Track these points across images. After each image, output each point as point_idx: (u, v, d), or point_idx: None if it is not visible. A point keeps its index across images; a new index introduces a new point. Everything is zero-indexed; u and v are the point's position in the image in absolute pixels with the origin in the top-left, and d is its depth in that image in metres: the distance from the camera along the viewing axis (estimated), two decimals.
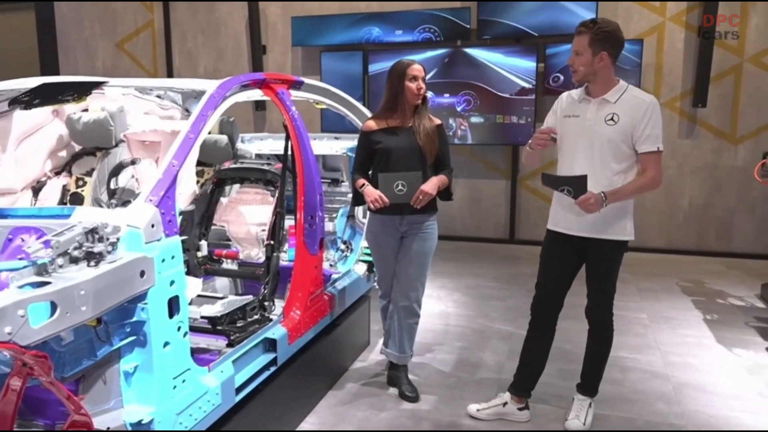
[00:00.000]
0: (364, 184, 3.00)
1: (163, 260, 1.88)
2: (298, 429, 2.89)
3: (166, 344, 1.90)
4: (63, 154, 3.31)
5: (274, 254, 2.95)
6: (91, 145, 3.23)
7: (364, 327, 3.86)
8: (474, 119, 6.59)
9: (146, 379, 1.86)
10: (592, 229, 2.67)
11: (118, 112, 3.12)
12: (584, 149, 2.68)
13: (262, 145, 4.20)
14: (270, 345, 2.65)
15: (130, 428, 1.80)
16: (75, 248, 1.62)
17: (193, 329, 2.63)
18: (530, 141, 2.76)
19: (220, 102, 2.39)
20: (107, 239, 1.71)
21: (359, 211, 3.91)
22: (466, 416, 3.00)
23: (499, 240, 6.90)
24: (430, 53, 6.53)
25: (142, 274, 1.77)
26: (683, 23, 6.15)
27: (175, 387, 1.95)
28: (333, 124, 6.34)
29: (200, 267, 3.18)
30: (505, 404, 2.97)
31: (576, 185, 2.57)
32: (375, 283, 3.60)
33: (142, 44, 7.98)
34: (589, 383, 2.95)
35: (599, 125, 2.64)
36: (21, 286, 1.48)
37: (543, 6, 6.20)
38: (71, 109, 3.17)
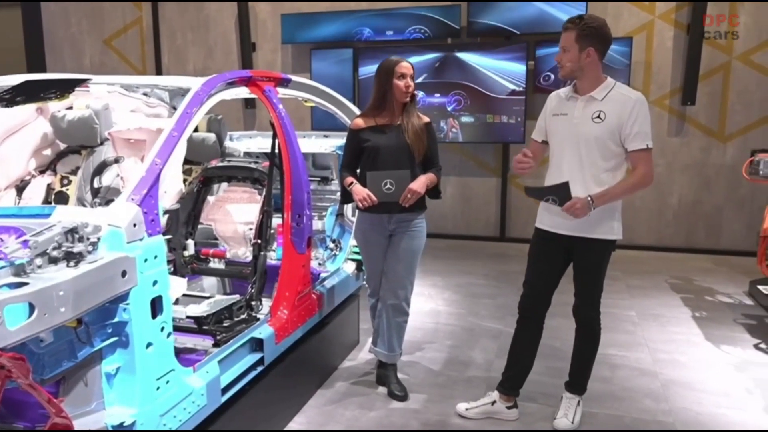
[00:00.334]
0: (352, 183, 2.99)
1: (146, 260, 1.85)
2: (285, 429, 2.87)
3: (149, 345, 1.87)
4: (47, 152, 3.27)
5: (261, 253, 2.93)
6: (76, 144, 3.18)
7: (353, 325, 3.84)
8: (464, 119, 6.58)
9: (129, 381, 1.83)
10: (580, 228, 2.66)
11: (103, 110, 3.08)
12: (571, 148, 2.67)
13: (250, 143, 4.17)
14: (257, 345, 2.63)
15: (111, 430, 1.78)
16: (54, 248, 1.59)
17: (180, 329, 2.62)
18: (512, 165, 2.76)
19: (205, 100, 2.37)
20: (87, 239, 1.68)
21: (348, 209, 3.89)
22: (455, 415, 2.99)
23: (490, 238, 6.90)
24: (420, 57, 6.52)
25: (124, 274, 1.74)
26: (672, 21, 6.16)
27: (158, 388, 1.92)
28: (323, 122, 6.32)
29: (187, 266, 3.15)
30: (493, 403, 2.96)
31: (560, 193, 2.56)
32: (364, 282, 3.58)
33: (131, 41, 7.92)
34: (578, 382, 2.95)
35: (586, 123, 2.64)
36: None
37: (533, 4, 6.20)
38: (55, 106, 3.12)
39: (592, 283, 2.79)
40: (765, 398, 3.18)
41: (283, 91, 3.11)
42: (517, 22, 6.27)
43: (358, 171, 3.08)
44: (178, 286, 2.44)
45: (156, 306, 1.91)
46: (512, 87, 6.36)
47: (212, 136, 3.49)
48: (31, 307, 1.44)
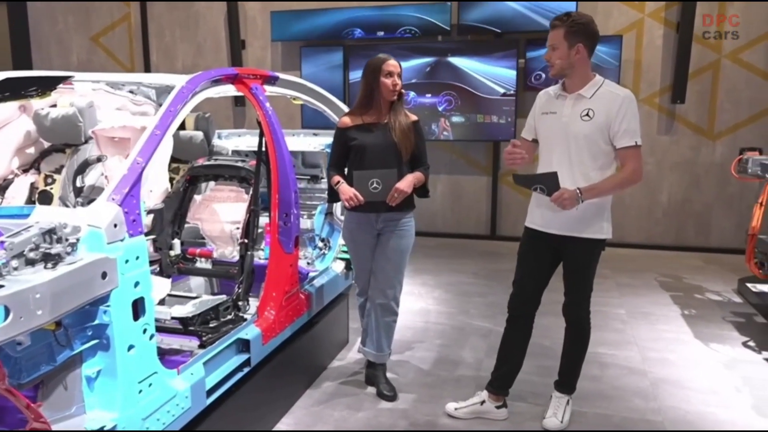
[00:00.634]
0: (339, 182, 2.96)
1: (127, 261, 1.81)
2: (273, 430, 2.85)
3: (130, 347, 1.84)
4: (31, 150, 3.22)
5: (248, 253, 2.90)
6: (60, 142, 3.14)
7: (342, 325, 3.81)
8: (455, 119, 6.56)
9: (110, 384, 1.80)
10: (569, 227, 2.65)
11: (87, 108, 3.04)
12: (560, 146, 2.65)
13: (239, 142, 4.14)
14: (243, 345, 2.60)
15: None
16: (31, 249, 1.55)
17: (165, 330, 2.58)
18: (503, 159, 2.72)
19: (189, 98, 2.33)
20: (66, 240, 1.65)
21: (337, 208, 3.87)
22: (444, 415, 2.97)
23: (480, 236, 6.90)
24: (411, 59, 6.49)
25: (104, 275, 1.70)
26: (662, 19, 6.17)
27: (140, 391, 1.89)
28: (313, 119, 6.28)
29: (173, 266, 3.11)
30: (482, 402, 2.95)
31: (548, 182, 2.54)
32: (353, 281, 3.56)
33: (119, 38, 7.84)
34: (567, 381, 2.94)
35: (575, 121, 2.62)
36: None
37: (522, 3, 6.18)
38: (39, 104, 3.08)
39: (582, 283, 2.78)
40: (753, 396, 3.19)
41: (270, 89, 3.08)
42: (507, 20, 6.25)
43: (346, 170, 3.06)
44: (161, 286, 2.41)
45: (138, 307, 1.88)
46: (502, 85, 6.35)
47: (200, 135, 3.45)
48: (7, 310, 1.40)
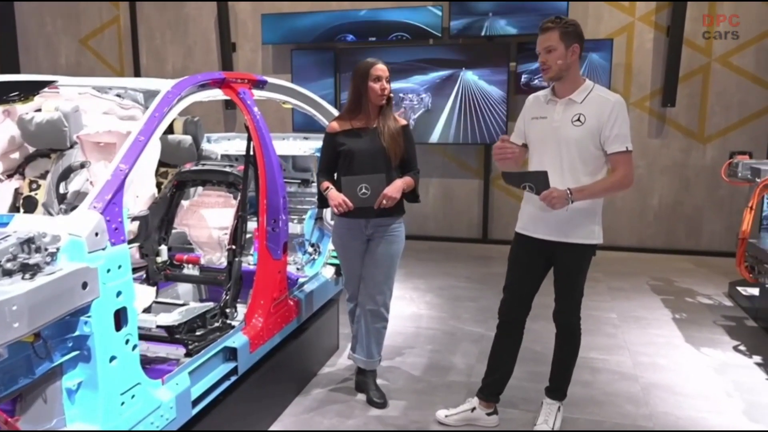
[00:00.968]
0: (328, 188, 2.93)
1: (109, 270, 1.78)
2: None
3: (112, 359, 1.80)
4: (15, 155, 3.17)
5: (236, 259, 2.87)
6: (45, 147, 3.09)
7: (332, 331, 3.78)
8: (446, 120, 6.54)
9: (91, 396, 1.76)
10: (560, 232, 2.63)
11: (72, 112, 2.99)
12: (552, 151, 2.64)
13: (229, 146, 4.10)
14: (230, 354, 2.56)
15: None
16: (8, 260, 1.52)
17: (152, 338, 2.54)
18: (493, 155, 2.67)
19: (174, 103, 2.29)
20: (45, 249, 1.61)
21: (327, 213, 3.83)
22: (435, 422, 2.94)
23: (472, 240, 6.88)
24: (401, 59, 6.48)
25: (85, 285, 1.67)
26: (652, 23, 6.19)
27: (123, 403, 1.85)
28: (305, 123, 6.25)
29: (160, 273, 3.07)
30: (473, 409, 2.92)
31: (537, 181, 2.51)
32: (343, 286, 3.53)
33: (108, 41, 7.77)
34: (558, 387, 2.92)
35: (566, 126, 2.61)
36: None
37: (515, 6, 6.18)
38: (23, 109, 3.03)
39: (573, 288, 2.76)
40: (744, 401, 3.18)
41: (258, 93, 3.04)
42: (498, 23, 6.25)
43: (336, 175, 3.03)
44: (145, 295, 2.37)
45: (120, 318, 1.84)
46: (494, 87, 6.34)
47: (188, 139, 3.40)
48: None
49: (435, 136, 6.58)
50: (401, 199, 2.97)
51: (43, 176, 3.12)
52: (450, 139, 6.57)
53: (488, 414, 2.91)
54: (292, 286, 3.22)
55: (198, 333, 2.56)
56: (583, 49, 2.60)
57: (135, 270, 3.14)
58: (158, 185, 3.28)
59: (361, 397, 3.19)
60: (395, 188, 2.87)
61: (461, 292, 5.05)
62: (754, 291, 4.54)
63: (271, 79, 3.16)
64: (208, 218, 3.14)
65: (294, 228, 3.79)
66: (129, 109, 3.30)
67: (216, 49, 7.36)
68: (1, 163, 3.10)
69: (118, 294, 1.82)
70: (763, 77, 5.98)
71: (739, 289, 4.79)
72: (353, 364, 3.36)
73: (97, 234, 1.75)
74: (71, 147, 3.06)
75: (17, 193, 3.11)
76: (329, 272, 3.71)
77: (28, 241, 1.57)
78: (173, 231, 3.22)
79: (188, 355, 2.44)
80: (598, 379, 3.43)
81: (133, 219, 2.73)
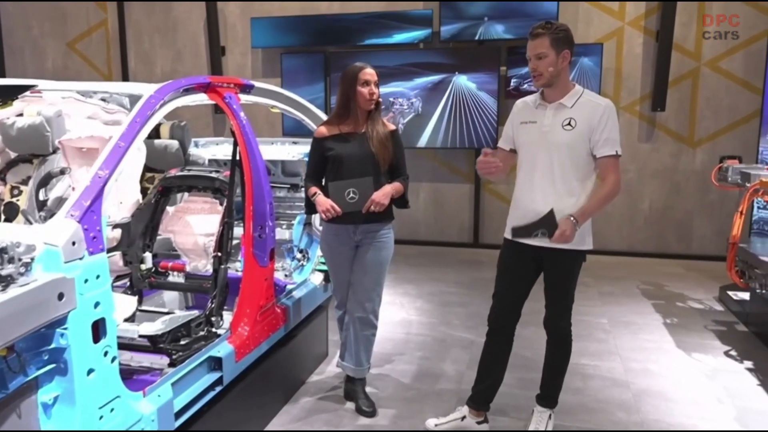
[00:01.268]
0: (315, 193, 2.89)
1: (86, 280, 1.72)
2: None
3: (90, 371, 1.75)
4: None
5: (222, 266, 2.81)
6: (27, 152, 3.03)
7: (321, 338, 3.73)
8: (435, 123, 6.52)
9: (68, 411, 1.70)
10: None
11: (55, 117, 2.93)
12: (543, 156, 2.61)
13: (217, 150, 4.04)
14: (215, 364, 2.51)
15: None
16: None
17: (135, 348, 2.48)
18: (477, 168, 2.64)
19: (157, 108, 2.24)
20: (19, 260, 1.55)
21: (316, 218, 3.79)
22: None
23: (463, 244, 6.85)
24: (394, 69, 6.46)
25: (61, 296, 1.61)
26: (641, 28, 6.20)
27: (101, 417, 1.80)
28: (295, 128, 6.20)
29: (144, 280, 3.01)
30: (463, 418, 2.88)
31: (547, 224, 2.52)
32: (332, 293, 3.48)
33: (96, 44, 7.69)
34: (549, 394, 2.89)
35: (556, 131, 2.58)
36: None
37: (505, 10, 6.17)
38: (4, 113, 2.97)
39: (564, 295, 2.73)
40: (736, 408, 3.16)
41: (245, 98, 3.00)
42: (489, 27, 6.23)
43: (324, 180, 2.99)
44: (126, 305, 2.31)
45: (99, 329, 1.79)
46: (484, 92, 6.33)
47: (175, 143, 3.35)
48: None
49: (425, 141, 6.55)
50: (390, 205, 2.94)
51: (25, 182, 3.06)
52: (441, 144, 6.54)
53: (478, 422, 2.88)
54: (280, 293, 3.17)
55: (182, 342, 2.51)
56: (573, 54, 2.58)
57: (119, 277, 3.10)
58: (145, 191, 3.23)
59: (350, 405, 3.14)
60: (384, 193, 2.83)
61: (452, 298, 5.01)
62: (745, 295, 4.54)
63: (258, 84, 3.12)
64: (194, 224, 3.08)
65: (282, 234, 3.74)
66: (114, 114, 3.24)
67: (205, 53, 7.30)
68: None
69: (96, 305, 1.77)
70: (752, 81, 6.00)
71: (730, 293, 4.78)
72: (342, 372, 3.31)
73: (74, 243, 1.70)
74: (54, 152, 3.01)
75: None
76: (318, 279, 3.66)
77: (1, 252, 1.51)
78: (158, 237, 3.16)
79: (172, 365, 2.39)
80: (590, 385, 3.41)
81: (114, 226, 2.67)
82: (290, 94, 3.52)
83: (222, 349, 2.54)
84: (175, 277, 3.06)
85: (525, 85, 6.21)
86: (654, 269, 5.95)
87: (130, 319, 2.62)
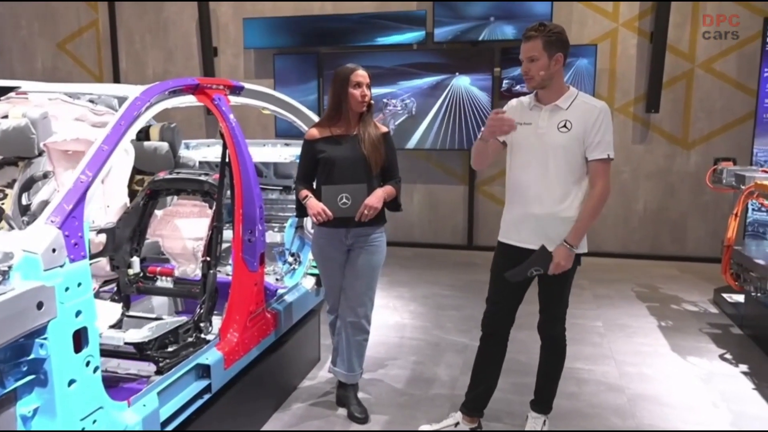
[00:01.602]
0: (307, 196, 2.85)
1: (67, 288, 1.67)
2: None
3: (71, 382, 1.69)
4: None
5: (211, 271, 2.76)
6: (12, 155, 2.97)
7: (313, 342, 3.68)
8: (429, 124, 6.48)
9: (48, 423, 1.65)
10: (546, 244, 2.56)
11: (41, 119, 2.87)
12: (538, 158, 2.57)
13: (208, 152, 3.98)
14: (203, 371, 2.45)
15: None
16: None
17: (122, 355, 2.43)
18: (483, 130, 2.54)
19: (143, 110, 2.19)
20: None
21: (307, 221, 3.74)
22: None
23: (457, 246, 6.81)
24: (386, 64, 6.41)
25: (40, 305, 1.56)
26: (636, 29, 6.18)
27: (83, 429, 1.74)
28: (288, 129, 6.14)
29: (132, 285, 2.95)
30: (456, 425, 2.84)
31: (541, 260, 2.49)
32: (324, 297, 3.44)
33: (86, 45, 7.62)
34: (543, 400, 2.85)
35: (552, 133, 2.55)
36: None
37: (499, 11, 6.15)
38: None
39: (558, 299, 2.70)
40: (731, 412, 3.14)
41: (235, 100, 2.95)
42: (482, 29, 6.21)
43: (315, 183, 2.94)
44: (110, 312, 2.26)
45: (81, 338, 1.73)
46: (479, 92, 6.30)
47: (165, 146, 3.30)
48: None
49: (419, 142, 6.51)
50: (382, 208, 2.89)
51: (10, 185, 3.00)
52: (434, 145, 6.51)
53: (472, 429, 2.83)
54: (271, 297, 3.12)
55: (170, 349, 2.46)
56: (567, 56, 2.54)
57: (106, 282, 3.04)
58: (134, 194, 3.17)
59: (342, 411, 3.09)
60: (376, 198, 2.79)
61: (445, 301, 4.97)
62: (740, 298, 4.52)
63: (248, 85, 3.07)
64: (183, 228, 3.03)
65: (274, 237, 3.69)
66: (103, 115, 3.19)
67: (197, 54, 7.24)
68: None
69: (78, 313, 1.72)
70: (745, 83, 6.00)
71: (725, 296, 4.76)
72: (334, 377, 3.27)
73: (54, 250, 1.65)
74: (39, 155, 2.95)
75: None
76: (309, 282, 3.61)
77: None
78: (146, 241, 3.10)
79: (159, 372, 2.34)
80: (584, 390, 3.37)
81: (99, 232, 2.62)
82: (281, 95, 3.48)
83: (210, 356, 2.49)
84: (163, 282, 3.01)
85: (518, 87, 6.18)
86: (649, 271, 5.93)
87: (117, 326, 2.57)
